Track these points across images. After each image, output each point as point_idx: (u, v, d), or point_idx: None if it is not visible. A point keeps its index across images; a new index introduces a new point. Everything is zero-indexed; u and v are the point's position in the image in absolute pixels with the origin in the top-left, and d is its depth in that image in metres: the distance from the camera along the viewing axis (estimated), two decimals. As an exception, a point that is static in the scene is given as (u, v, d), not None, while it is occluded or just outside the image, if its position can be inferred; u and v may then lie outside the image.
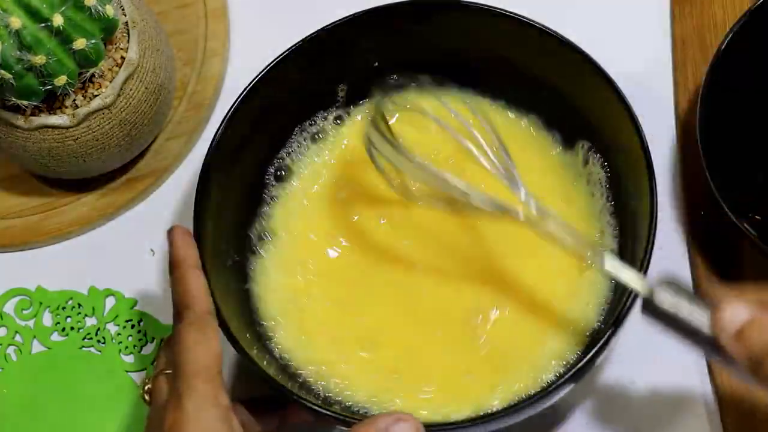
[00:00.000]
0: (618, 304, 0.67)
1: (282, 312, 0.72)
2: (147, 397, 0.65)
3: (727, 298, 0.58)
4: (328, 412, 0.65)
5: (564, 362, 0.69)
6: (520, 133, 0.76)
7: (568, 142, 0.75)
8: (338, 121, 0.77)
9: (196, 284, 0.65)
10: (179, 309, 0.65)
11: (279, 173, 0.76)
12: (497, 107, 0.76)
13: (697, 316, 0.59)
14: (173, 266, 0.66)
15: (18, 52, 0.70)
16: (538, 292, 0.71)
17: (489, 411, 0.67)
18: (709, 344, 0.59)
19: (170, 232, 0.68)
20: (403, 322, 0.71)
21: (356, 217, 0.74)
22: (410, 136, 0.74)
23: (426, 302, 0.72)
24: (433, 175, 0.68)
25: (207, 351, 0.62)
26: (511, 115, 0.76)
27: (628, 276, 0.63)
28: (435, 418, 0.68)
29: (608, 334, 0.65)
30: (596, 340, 0.65)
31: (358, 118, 0.77)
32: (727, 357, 0.58)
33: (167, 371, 0.64)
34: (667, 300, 0.60)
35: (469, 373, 0.70)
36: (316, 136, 0.77)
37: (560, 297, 0.71)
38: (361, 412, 0.69)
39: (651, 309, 0.61)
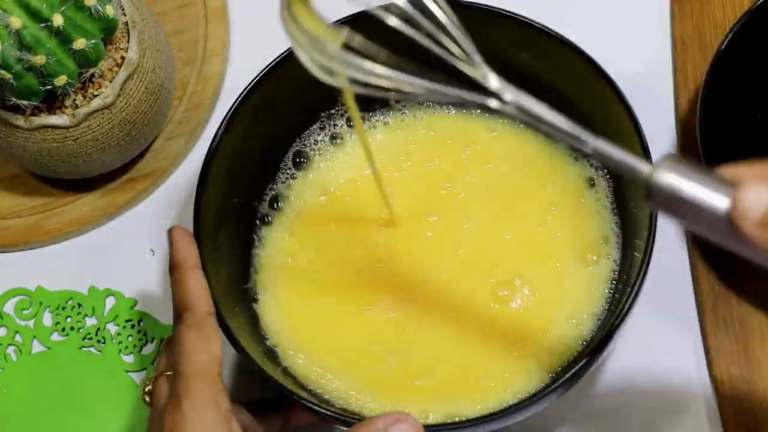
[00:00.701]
0: (620, 296, 0.67)
1: (283, 312, 0.72)
2: (147, 399, 0.65)
3: (749, 176, 0.49)
4: (328, 412, 0.65)
5: (565, 361, 0.69)
6: (520, 134, 0.76)
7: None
8: (339, 123, 0.77)
9: (196, 285, 0.65)
10: (179, 310, 0.65)
11: (280, 173, 0.76)
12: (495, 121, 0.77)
13: (711, 198, 0.49)
14: (173, 267, 0.66)
15: (18, 52, 0.70)
16: (541, 292, 0.71)
17: (489, 411, 0.67)
18: (727, 231, 0.50)
19: (170, 232, 0.68)
20: (404, 322, 0.71)
21: (361, 219, 0.75)
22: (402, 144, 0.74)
23: (425, 303, 0.72)
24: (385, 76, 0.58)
25: (207, 352, 0.62)
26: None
27: (624, 157, 0.53)
28: (436, 417, 0.68)
29: (609, 331, 0.65)
30: (598, 339, 0.65)
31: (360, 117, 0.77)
32: (746, 245, 0.50)
33: (168, 372, 0.64)
34: (673, 181, 0.50)
35: (472, 373, 0.70)
36: (316, 136, 0.77)
37: (560, 296, 0.71)
38: (361, 413, 0.69)
39: (656, 193, 0.51)
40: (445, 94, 0.56)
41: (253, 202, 0.75)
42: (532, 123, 0.55)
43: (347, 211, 0.75)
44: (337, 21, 0.73)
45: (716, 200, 0.49)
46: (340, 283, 0.73)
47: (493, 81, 0.56)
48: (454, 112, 0.77)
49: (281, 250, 0.74)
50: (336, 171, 0.76)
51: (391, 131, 0.77)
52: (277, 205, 0.76)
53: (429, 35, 0.57)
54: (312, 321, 0.72)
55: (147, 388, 0.65)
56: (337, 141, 0.77)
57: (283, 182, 0.76)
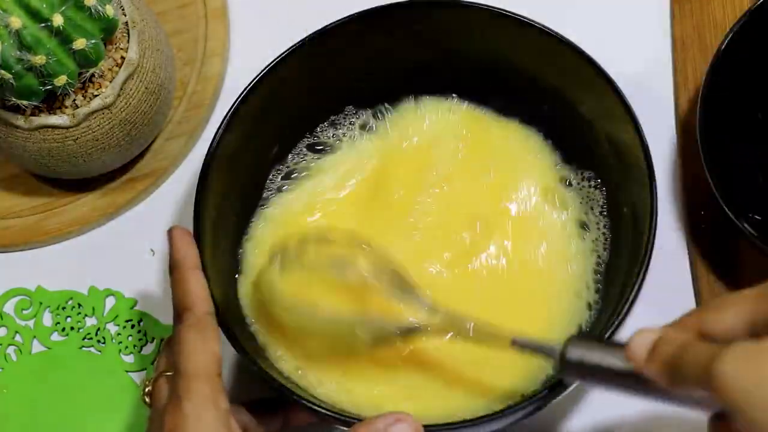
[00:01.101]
0: (620, 296, 0.67)
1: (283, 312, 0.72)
2: (147, 399, 0.65)
3: (637, 331, 0.57)
4: (328, 412, 0.65)
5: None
6: (519, 131, 0.76)
7: (569, 142, 0.75)
8: (338, 124, 0.77)
9: (196, 285, 0.65)
10: (179, 310, 0.65)
11: (279, 173, 0.76)
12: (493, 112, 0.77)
13: (611, 358, 0.58)
14: (173, 267, 0.66)
15: (18, 52, 0.70)
16: (542, 293, 0.71)
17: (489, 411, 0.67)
18: (635, 383, 0.57)
19: (170, 233, 0.68)
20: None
21: (361, 219, 0.74)
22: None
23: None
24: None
25: (207, 353, 0.62)
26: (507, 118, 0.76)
27: (540, 347, 0.63)
28: (437, 415, 0.68)
29: (609, 331, 0.65)
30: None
31: (360, 118, 0.77)
32: (651, 387, 0.56)
33: (168, 373, 0.64)
34: (578, 353, 0.60)
35: (471, 372, 0.70)
36: (317, 136, 0.77)
37: (559, 296, 0.71)
38: (360, 413, 0.69)
39: (567, 367, 0.60)
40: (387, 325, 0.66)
41: (253, 202, 0.75)
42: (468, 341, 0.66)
43: (349, 211, 0.75)
44: (344, 18, 0.73)
45: (615, 360, 0.59)
46: (342, 283, 0.73)
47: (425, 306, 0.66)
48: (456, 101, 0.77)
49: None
50: (333, 171, 0.76)
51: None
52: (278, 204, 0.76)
53: None
54: (313, 321, 0.72)
55: (147, 389, 0.65)
56: (338, 142, 0.77)
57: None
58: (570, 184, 0.74)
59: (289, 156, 0.77)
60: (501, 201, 0.74)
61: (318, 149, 0.77)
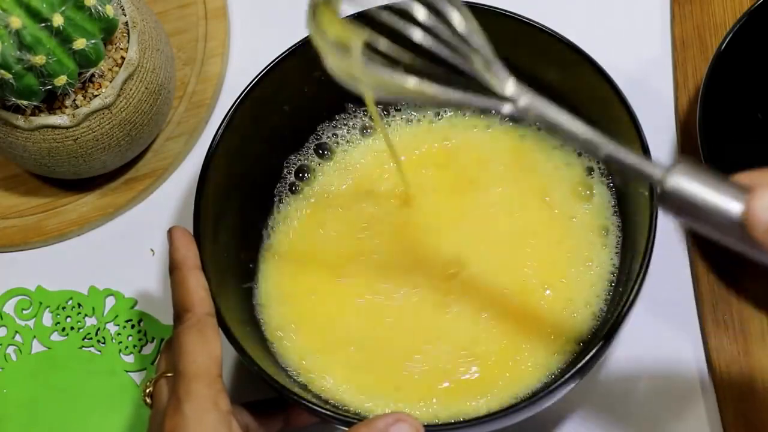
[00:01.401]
0: (620, 296, 0.67)
1: (284, 312, 0.72)
2: (148, 400, 0.65)
3: (763, 183, 0.50)
4: (328, 413, 0.65)
5: (564, 361, 0.69)
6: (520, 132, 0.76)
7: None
8: (338, 123, 0.77)
9: (196, 286, 0.65)
10: (179, 311, 0.65)
11: (279, 173, 0.76)
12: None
13: (724, 203, 0.50)
14: (173, 267, 0.66)
15: (18, 52, 0.70)
16: (544, 290, 0.71)
17: (489, 411, 0.67)
18: (738, 235, 0.50)
19: (170, 233, 0.68)
20: (408, 321, 0.72)
21: (360, 217, 0.75)
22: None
23: (425, 300, 0.72)
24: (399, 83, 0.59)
25: (207, 354, 0.62)
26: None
27: (637, 161, 0.54)
28: (441, 415, 0.68)
29: (609, 331, 0.65)
30: (597, 339, 0.65)
31: (361, 117, 0.77)
32: (756, 249, 0.50)
33: (168, 374, 0.64)
34: (687, 185, 0.51)
35: (474, 371, 0.70)
36: (316, 136, 0.77)
37: (560, 296, 0.71)
38: (361, 412, 0.69)
39: (669, 198, 0.52)
40: (464, 101, 0.58)
41: (253, 202, 0.75)
42: (547, 128, 0.56)
43: (349, 210, 0.75)
44: (353, 15, 0.73)
45: (729, 205, 0.50)
46: (344, 282, 0.73)
47: (509, 88, 0.57)
48: (450, 114, 0.77)
49: (282, 249, 0.74)
50: (338, 169, 0.76)
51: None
52: (278, 204, 0.76)
53: (445, 41, 0.58)
54: (313, 320, 0.72)
55: (147, 390, 0.65)
56: (318, 137, 0.77)
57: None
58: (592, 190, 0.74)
59: (291, 156, 0.77)
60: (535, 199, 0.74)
61: (320, 148, 0.77)
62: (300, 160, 0.77)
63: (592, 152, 0.56)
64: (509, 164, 0.75)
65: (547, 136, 0.75)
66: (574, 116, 0.56)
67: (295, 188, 0.76)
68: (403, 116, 0.77)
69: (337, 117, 0.78)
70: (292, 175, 0.76)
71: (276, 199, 0.76)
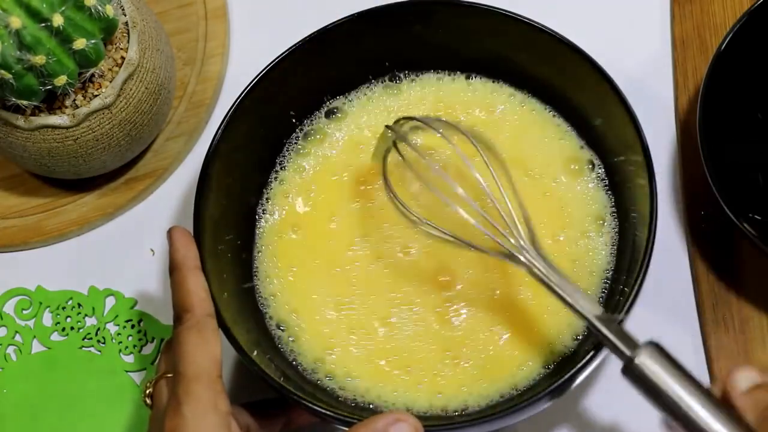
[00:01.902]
0: (618, 301, 0.67)
1: (285, 310, 0.72)
2: (148, 401, 0.65)
3: (736, 367, 0.60)
4: (328, 413, 0.65)
5: (562, 361, 0.69)
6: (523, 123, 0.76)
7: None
8: (336, 114, 0.77)
9: (196, 286, 0.65)
10: (179, 312, 0.65)
11: (279, 173, 0.76)
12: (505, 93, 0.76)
13: (680, 387, 0.59)
14: (173, 268, 0.66)
15: (18, 52, 0.70)
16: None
17: (490, 409, 0.67)
18: (685, 415, 0.59)
19: (170, 233, 0.68)
20: (409, 319, 0.72)
21: (358, 207, 0.75)
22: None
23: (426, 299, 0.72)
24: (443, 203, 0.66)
25: (206, 355, 0.62)
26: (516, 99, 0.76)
27: (612, 338, 0.62)
28: (444, 407, 0.68)
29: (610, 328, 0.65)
30: (597, 339, 0.65)
31: (361, 119, 0.77)
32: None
33: (168, 375, 0.64)
34: (650, 367, 0.60)
35: (473, 371, 0.70)
36: (316, 137, 0.77)
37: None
38: (363, 409, 0.69)
39: (632, 374, 0.60)
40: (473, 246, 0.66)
41: (253, 202, 0.75)
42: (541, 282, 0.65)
43: (348, 209, 0.75)
44: (344, 18, 0.73)
45: (685, 385, 0.59)
46: (344, 279, 0.73)
47: (524, 256, 0.65)
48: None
49: (282, 249, 0.74)
50: (332, 167, 0.76)
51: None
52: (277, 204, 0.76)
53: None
54: (314, 317, 0.72)
55: (147, 391, 0.65)
56: (318, 137, 0.77)
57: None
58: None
59: (291, 155, 0.77)
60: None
61: (318, 149, 0.77)
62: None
63: (576, 313, 0.64)
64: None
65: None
66: (568, 282, 0.64)
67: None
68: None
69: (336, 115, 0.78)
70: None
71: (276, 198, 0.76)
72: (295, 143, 0.77)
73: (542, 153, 0.74)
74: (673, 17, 0.83)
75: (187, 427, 0.59)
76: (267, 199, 0.76)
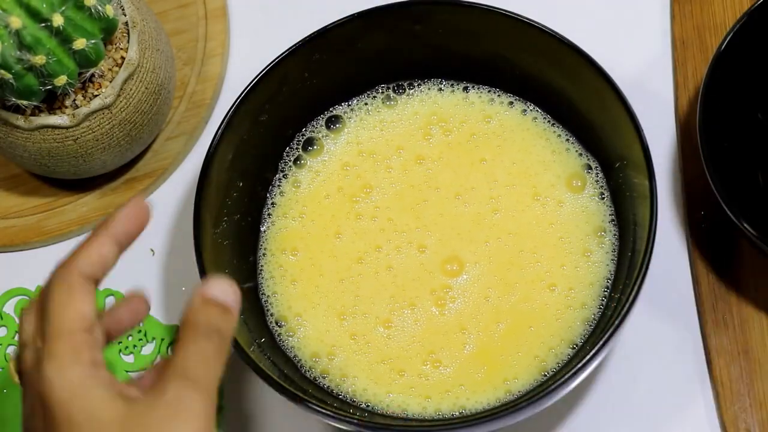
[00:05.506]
0: (618, 301, 0.67)
1: (285, 308, 0.72)
2: (17, 379, 0.59)
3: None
4: (327, 412, 0.65)
5: (562, 361, 0.69)
6: (523, 127, 0.76)
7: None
8: (336, 124, 0.77)
9: (98, 248, 0.58)
10: (57, 266, 0.58)
11: (279, 173, 0.76)
12: (504, 102, 0.76)
13: None
14: (96, 228, 0.59)
15: (18, 52, 0.70)
16: (537, 289, 0.71)
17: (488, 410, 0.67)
18: None
19: (123, 209, 0.59)
20: (410, 318, 0.72)
21: (358, 208, 0.75)
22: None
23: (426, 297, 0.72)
24: None
25: (72, 313, 0.56)
26: (515, 109, 0.76)
27: None
28: (445, 408, 0.68)
29: (609, 331, 0.65)
30: (597, 339, 0.65)
31: (360, 119, 0.77)
32: None
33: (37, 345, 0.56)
34: None
35: (474, 370, 0.70)
36: (315, 137, 0.77)
37: (558, 296, 0.71)
38: (361, 409, 0.69)
39: None
40: None
41: (253, 202, 0.75)
42: None
43: (348, 208, 0.75)
44: (344, 18, 0.73)
45: None
46: (344, 275, 0.73)
47: None
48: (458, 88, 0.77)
49: (283, 249, 0.74)
50: (334, 167, 0.76)
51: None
52: (278, 204, 0.76)
53: None
54: (315, 314, 0.72)
55: (14, 368, 0.59)
56: (317, 137, 0.77)
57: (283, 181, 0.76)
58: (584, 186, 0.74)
59: (290, 155, 0.77)
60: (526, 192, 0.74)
61: (317, 149, 0.77)
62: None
63: None
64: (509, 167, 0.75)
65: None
66: None
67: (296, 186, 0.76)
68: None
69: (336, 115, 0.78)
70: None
71: (276, 198, 0.76)
72: (296, 149, 0.77)
73: (545, 169, 0.74)
74: (673, 17, 0.83)
75: (53, 387, 0.54)
76: (268, 199, 0.76)
